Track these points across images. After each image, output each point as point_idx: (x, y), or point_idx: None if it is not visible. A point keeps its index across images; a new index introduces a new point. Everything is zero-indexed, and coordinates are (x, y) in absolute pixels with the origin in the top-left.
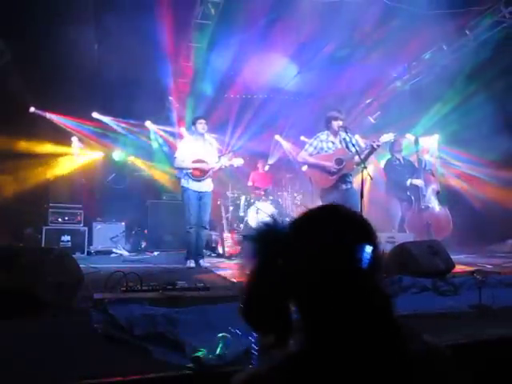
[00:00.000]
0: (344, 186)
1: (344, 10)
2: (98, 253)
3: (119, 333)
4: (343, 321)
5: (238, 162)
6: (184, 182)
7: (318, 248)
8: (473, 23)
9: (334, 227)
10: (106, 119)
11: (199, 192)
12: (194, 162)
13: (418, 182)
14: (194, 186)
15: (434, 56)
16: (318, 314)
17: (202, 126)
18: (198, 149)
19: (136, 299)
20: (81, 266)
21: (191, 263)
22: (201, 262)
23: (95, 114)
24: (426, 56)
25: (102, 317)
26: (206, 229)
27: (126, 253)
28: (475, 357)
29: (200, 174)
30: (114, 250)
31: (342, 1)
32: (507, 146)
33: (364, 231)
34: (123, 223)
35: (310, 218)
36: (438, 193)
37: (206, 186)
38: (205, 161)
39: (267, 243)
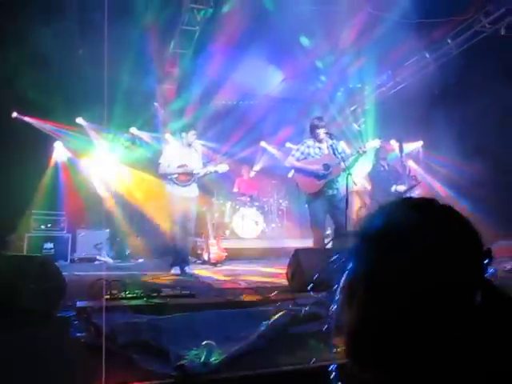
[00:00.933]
0: (331, 192)
1: (329, 18)
2: (81, 260)
3: (102, 341)
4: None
5: (223, 168)
6: (168, 188)
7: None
8: (454, 32)
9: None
10: (90, 125)
11: (184, 197)
12: (179, 167)
13: (402, 188)
14: (178, 191)
15: (417, 64)
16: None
17: (194, 137)
18: (184, 155)
19: (120, 307)
20: (64, 273)
21: (176, 270)
22: (186, 268)
23: (79, 120)
24: (409, 64)
25: (84, 325)
26: (191, 235)
27: (110, 260)
28: None
29: (185, 179)
30: (98, 258)
31: (327, 9)
32: (490, 152)
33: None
34: (108, 230)
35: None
36: None
37: (191, 191)
38: (190, 166)
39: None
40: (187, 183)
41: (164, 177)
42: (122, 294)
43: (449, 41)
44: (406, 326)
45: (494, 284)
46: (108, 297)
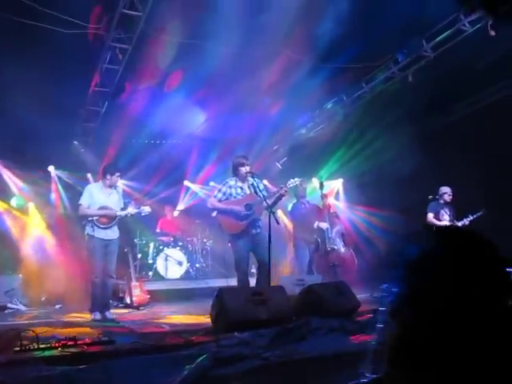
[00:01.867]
0: (254, 231)
1: (249, 61)
2: None
3: None
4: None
5: (146, 210)
6: (89, 230)
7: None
8: (368, 77)
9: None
10: (2, 163)
11: (105, 240)
12: (100, 208)
13: (323, 225)
14: (99, 233)
15: (335, 105)
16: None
17: (117, 179)
18: (104, 196)
19: (32, 359)
20: None
21: (96, 315)
22: (107, 313)
23: None
24: (328, 105)
25: None
26: (112, 278)
27: (23, 307)
28: None
29: (106, 222)
30: (9, 305)
31: (247, 52)
32: (405, 190)
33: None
34: (20, 275)
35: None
36: (342, 234)
37: (112, 233)
38: (111, 208)
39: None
40: (108, 225)
41: (84, 218)
42: (35, 345)
43: (363, 84)
44: (448, 336)
45: None
46: (18, 349)
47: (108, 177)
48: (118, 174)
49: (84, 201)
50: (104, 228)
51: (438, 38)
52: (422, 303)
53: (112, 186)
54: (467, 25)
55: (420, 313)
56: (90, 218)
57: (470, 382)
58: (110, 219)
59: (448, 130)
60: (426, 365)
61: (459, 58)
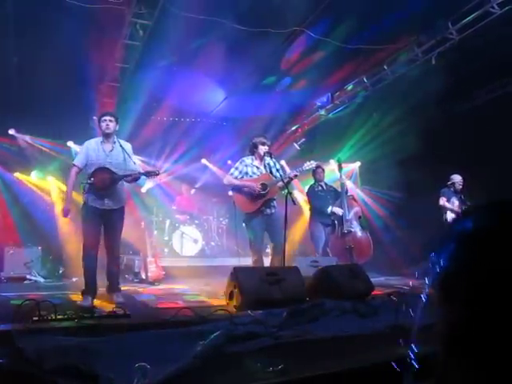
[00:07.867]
0: (268, 211)
1: (270, 40)
2: (9, 280)
3: (27, 367)
4: None
5: (153, 172)
6: (85, 197)
7: None
8: (390, 59)
9: None
10: (24, 137)
11: (100, 209)
12: (97, 170)
13: (338, 210)
14: (95, 202)
15: (356, 87)
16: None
17: (105, 123)
18: (104, 153)
19: (49, 330)
20: None
21: (87, 301)
22: (114, 296)
23: (12, 131)
24: (348, 87)
25: (7, 351)
26: (116, 258)
27: (41, 279)
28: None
29: (102, 186)
30: (29, 277)
31: (268, 32)
32: (421, 174)
33: None
34: (39, 247)
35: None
36: (359, 217)
37: (111, 201)
38: (110, 168)
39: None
40: (106, 191)
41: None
42: (52, 316)
43: (385, 67)
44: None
45: None
46: (36, 319)
47: (98, 123)
48: (105, 117)
49: (78, 160)
50: (101, 195)
51: (464, 21)
52: (478, 282)
53: (110, 137)
54: (496, 7)
55: (477, 293)
56: (85, 181)
57: None
58: (106, 183)
59: (468, 115)
60: (487, 353)
61: (485, 41)
